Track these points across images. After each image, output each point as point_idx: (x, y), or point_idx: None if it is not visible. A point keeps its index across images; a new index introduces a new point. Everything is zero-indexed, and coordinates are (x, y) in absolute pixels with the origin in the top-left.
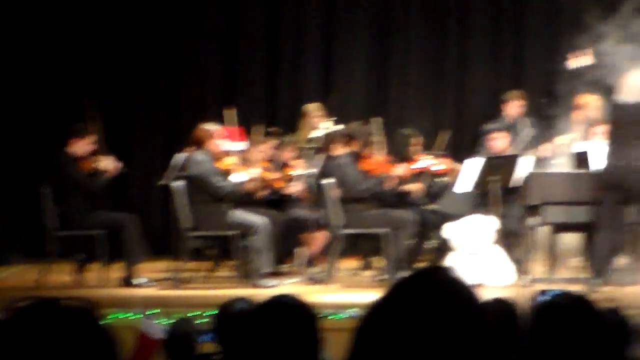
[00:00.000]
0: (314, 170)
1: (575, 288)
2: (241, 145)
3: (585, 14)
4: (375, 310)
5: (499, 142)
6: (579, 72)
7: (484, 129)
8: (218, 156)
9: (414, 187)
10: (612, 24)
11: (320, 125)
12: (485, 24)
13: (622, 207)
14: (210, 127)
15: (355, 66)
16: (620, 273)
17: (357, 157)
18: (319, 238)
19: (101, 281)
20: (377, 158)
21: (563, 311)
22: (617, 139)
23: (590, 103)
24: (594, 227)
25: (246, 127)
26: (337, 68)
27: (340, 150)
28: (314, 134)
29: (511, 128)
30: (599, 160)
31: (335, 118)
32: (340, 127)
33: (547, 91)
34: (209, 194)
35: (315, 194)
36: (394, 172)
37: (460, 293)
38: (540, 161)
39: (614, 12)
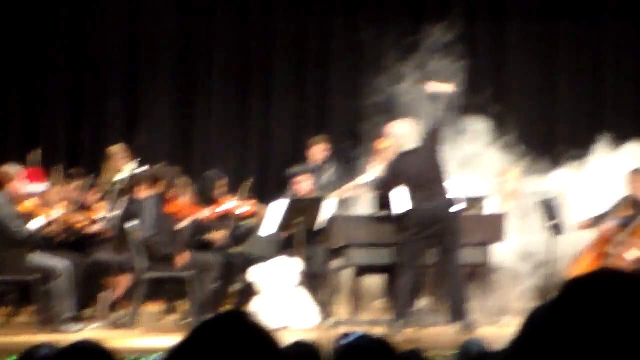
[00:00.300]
0: (118, 213)
1: (378, 330)
2: (42, 187)
3: (385, 56)
4: (176, 354)
5: (303, 185)
6: (436, 98)
7: (289, 172)
8: (19, 199)
9: (218, 236)
10: (411, 65)
11: (125, 167)
12: (289, 70)
13: (423, 249)
14: (10, 169)
15: (160, 108)
16: (421, 314)
17: (162, 199)
18: (123, 281)
19: None
20: (183, 200)
21: (364, 354)
22: (412, 184)
23: (388, 148)
24: (396, 268)
25: (48, 168)
26: (141, 110)
27: (145, 193)
28: (118, 176)
29: (315, 171)
30: (400, 203)
31: (139, 160)
32: (145, 169)
33: (350, 134)
34: (8, 238)
35: (119, 237)
36: (200, 214)
37: (260, 337)
38: (343, 203)
39: (413, 53)
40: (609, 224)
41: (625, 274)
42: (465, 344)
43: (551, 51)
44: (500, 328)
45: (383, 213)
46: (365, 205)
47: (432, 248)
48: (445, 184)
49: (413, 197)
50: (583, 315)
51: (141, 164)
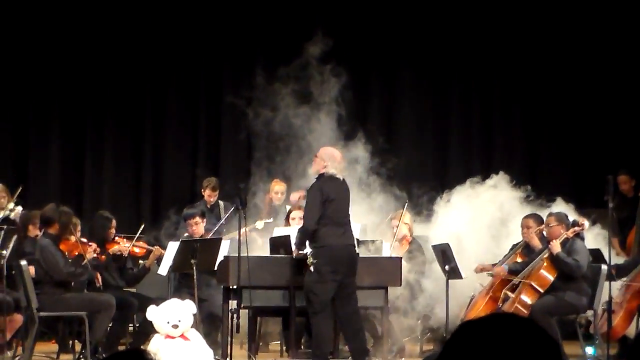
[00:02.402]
0: (6, 252)
1: None
2: None
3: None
4: None
5: (199, 226)
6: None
7: (185, 213)
8: None
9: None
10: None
11: (8, 206)
12: (182, 110)
13: (334, 289)
14: None
15: (51, 150)
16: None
17: (55, 239)
18: (15, 321)
19: None
20: (75, 240)
21: None
22: (330, 214)
23: (277, 188)
24: (309, 311)
25: None
26: (31, 153)
27: (37, 232)
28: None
29: (210, 212)
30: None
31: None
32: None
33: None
34: None
35: (9, 276)
36: (93, 253)
37: None
38: (240, 244)
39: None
40: (504, 269)
41: (516, 317)
42: None
43: (442, 100)
44: None
45: (280, 255)
46: (260, 248)
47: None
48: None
49: (327, 233)
50: (475, 356)
51: (22, 204)
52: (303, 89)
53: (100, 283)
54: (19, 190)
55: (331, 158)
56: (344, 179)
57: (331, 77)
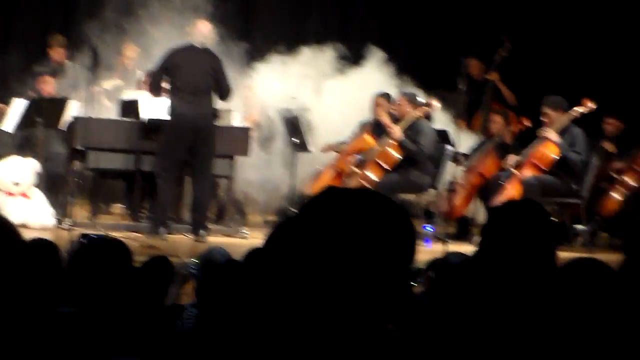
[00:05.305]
0: None
1: (115, 234)
2: None
3: None
4: None
5: (47, 85)
6: None
7: (33, 70)
8: None
9: None
10: None
11: None
12: None
13: (180, 157)
14: None
15: None
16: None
17: None
18: None
19: None
20: None
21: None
22: (176, 88)
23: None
24: (156, 176)
25: None
26: None
27: None
28: None
29: (59, 72)
30: (149, 110)
31: None
32: None
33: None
34: None
35: None
36: None
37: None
38: (87, 105)
39: None
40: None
41: (351, 190)
42: (208, 252)
43: None
44: (241, 240)
45: (128, 119)
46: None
47: (187, 157)
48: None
49: (176, 101)
50: (317, 228)
51: None
52: None
53: None
54: None
55: (203, 34)
56: (206, 50)
57: None
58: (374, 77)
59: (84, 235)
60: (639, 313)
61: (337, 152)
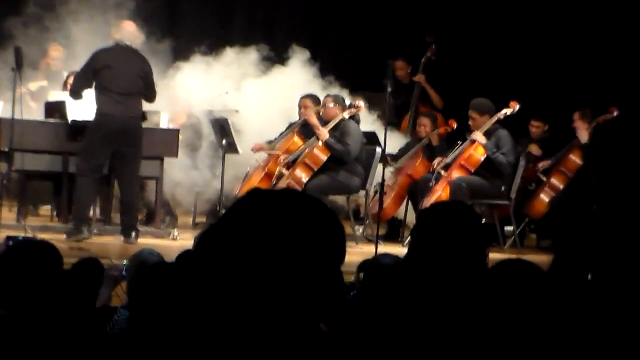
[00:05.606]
0: None
1: (43, 235)
2: None
3: None
4: None
5: None
6: None
7: None
8: None
9: None
10: None
11: None
12: None
13: (104, 157)
14: None
15: None
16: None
17: None
18: None
19: None
20: None
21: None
22: (104, 88)
23: (55, 54)
24: (76, 176)
25: None
26: None
27: None
28: None
29: None
30: (77, 112)
31: None
32: None
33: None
34: None
35: None
36: None
37: None
38: (12, 106)
39: None
40: (278, 147)
41: (276, 191)
42: (139, 253)
43: None
44: (172, 241)
45: (55, 120)
46: (32, 112)
47: (112, 157)
48: (140, 98)
49: (103, 101)
50: (243, 230)
51: None
52: None
53: None
54: None
55: (130, 32)
56: (135, 51)
57: None
58: (298, 77)
59: (11, 237)
60: (567, 313)
61: (267, 153)
